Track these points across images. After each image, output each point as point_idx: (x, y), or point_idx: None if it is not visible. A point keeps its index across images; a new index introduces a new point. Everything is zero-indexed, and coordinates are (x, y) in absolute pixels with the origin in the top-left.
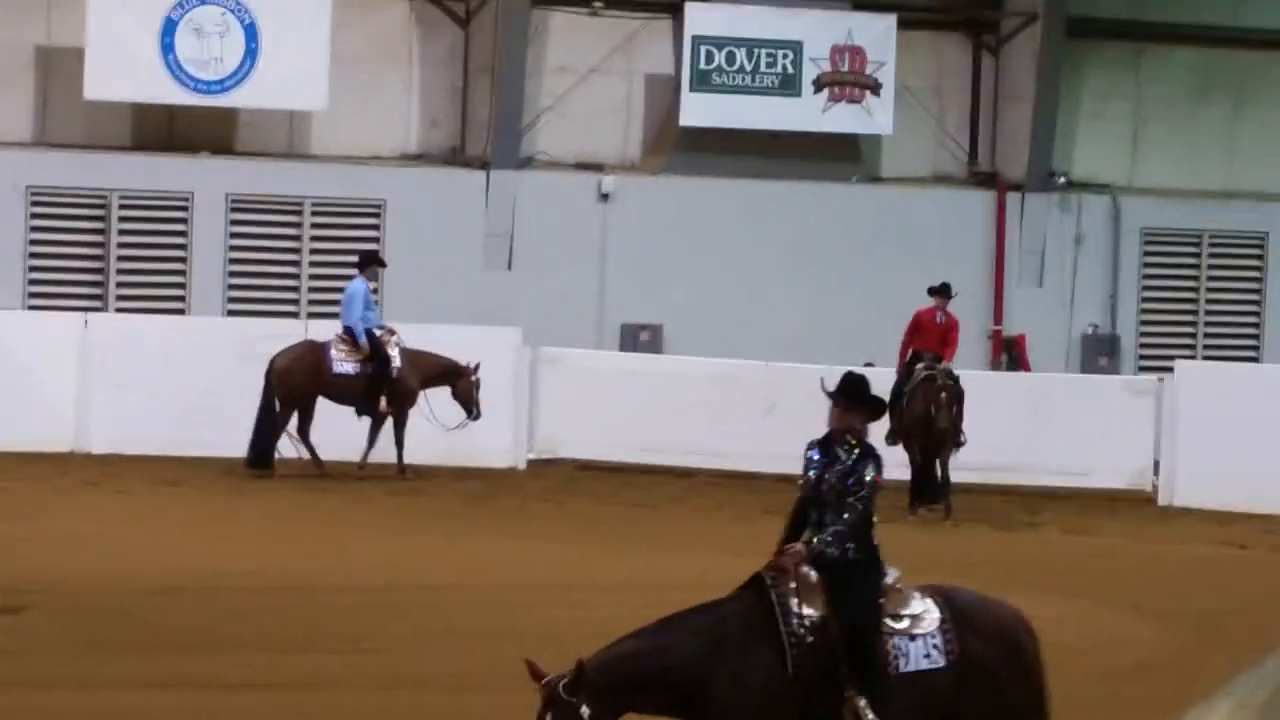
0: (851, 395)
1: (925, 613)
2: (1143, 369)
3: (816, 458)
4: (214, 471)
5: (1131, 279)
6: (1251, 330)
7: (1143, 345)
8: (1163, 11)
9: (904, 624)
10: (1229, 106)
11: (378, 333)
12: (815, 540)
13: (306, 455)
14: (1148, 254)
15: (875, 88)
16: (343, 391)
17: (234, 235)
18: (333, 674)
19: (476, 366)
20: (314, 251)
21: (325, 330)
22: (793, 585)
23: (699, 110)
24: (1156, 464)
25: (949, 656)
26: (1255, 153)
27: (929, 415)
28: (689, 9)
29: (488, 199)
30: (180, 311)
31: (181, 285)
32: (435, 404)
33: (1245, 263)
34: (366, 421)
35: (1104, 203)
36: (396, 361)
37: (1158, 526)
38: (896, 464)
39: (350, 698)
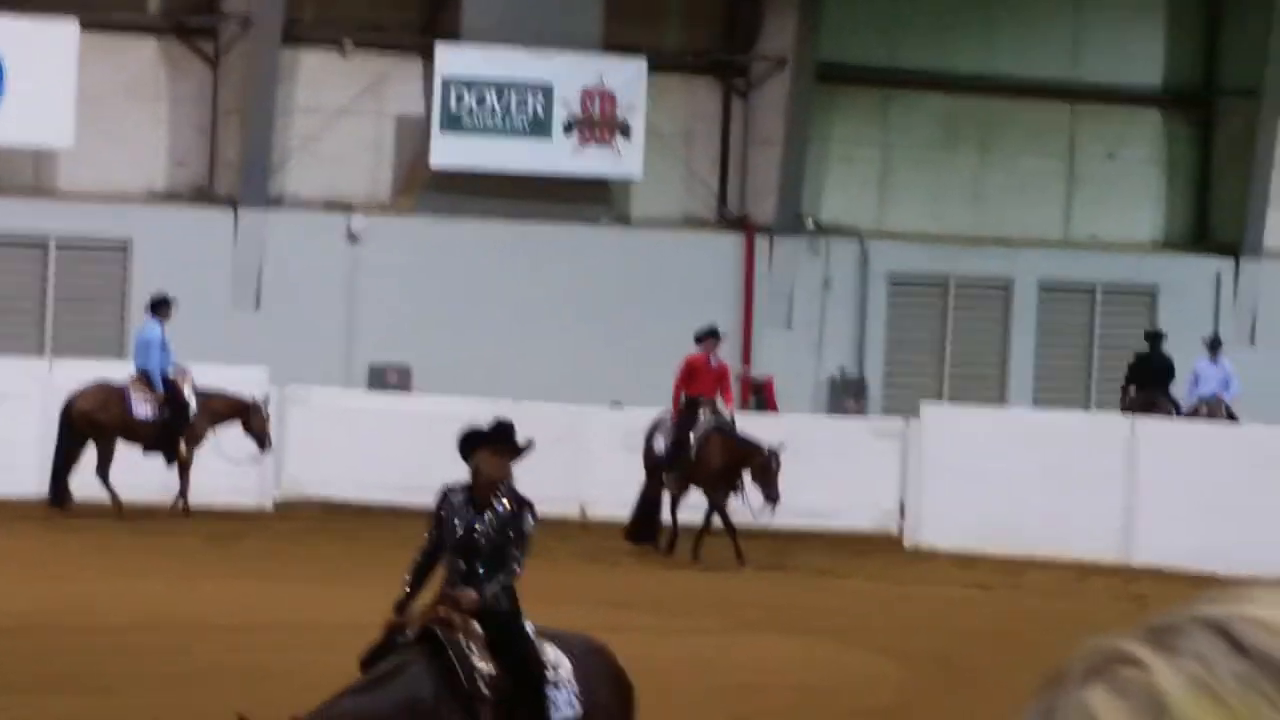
0: (509, 442)
1: (560, 663)
2: (889, 412)
3: (461, 504)
4: None
5: (879, 323)
6: (996, 374)
7: (889, 388)
8: (911, 58)
9: (550, 674)
10: (975, 153)
11: (172, 375)
12: (486, 591)
13: (109, 495)
14: (895, 298)
15: (625, 131)
16: (141, 434)
17: None
18: (72, 715)
19: (266, 401)
20: (60, 289)
21: (71, 371)
22: (463, 639)
23: (450, 151)
24: (902, 506)
25: (584, 705)
26: (1001, 199)
27: (728, 471)
28: (440, 50)
29: (236, 238)
30: None
31: None
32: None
33: (990, 308)
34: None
35: (852, 247)
36: (193, 405)
37: (904, 568)
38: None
39: None
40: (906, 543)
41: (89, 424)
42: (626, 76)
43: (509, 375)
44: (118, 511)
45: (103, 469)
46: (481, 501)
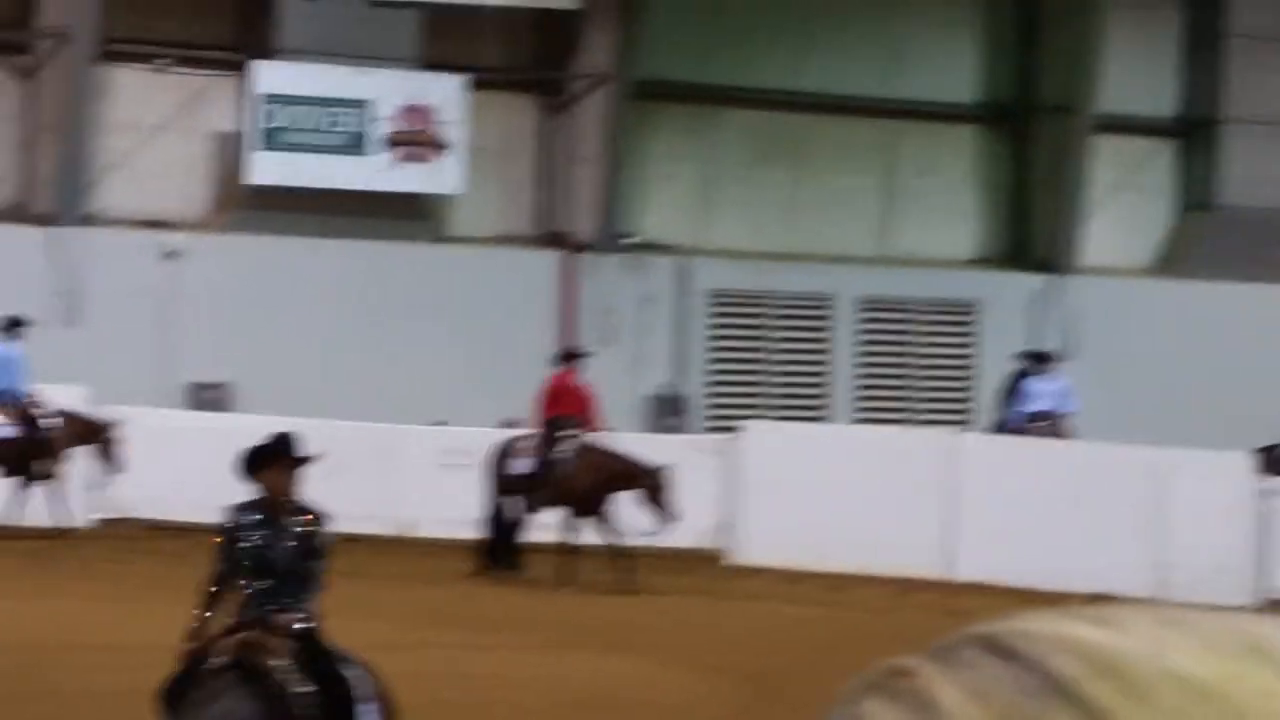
0: (287, 456)
1: (362, 678)
2: (711, 428)
3: (253, 523)
4: None
5: (700, 339)
6: (818, 390)
7: (711, 405)
8: (725, 74)
9: (357, 691)
10: (792, 169)
11: (24, 397)
12: (297, 611)
13: None
14: (715, 314)
15: (444, 147)
16: (1, 457)
17: None
18: None
19: (116, 424)
20: None
21: None
22: (284, 663)
23: (267, 168)
24: (724, 523)
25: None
26: (818, 215)
27: (601, 491)
28: (257, 67)
29: (51, 256)
30: None
31: None
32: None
33: (811, 323)
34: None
35: (672, 263)
36: (49, 424)
37: (726, 584)
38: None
39: None
40: (729, 560)
41: None
42: (445, 93)
43: (330, 393)
44: None
45: None
46: (275, 518)
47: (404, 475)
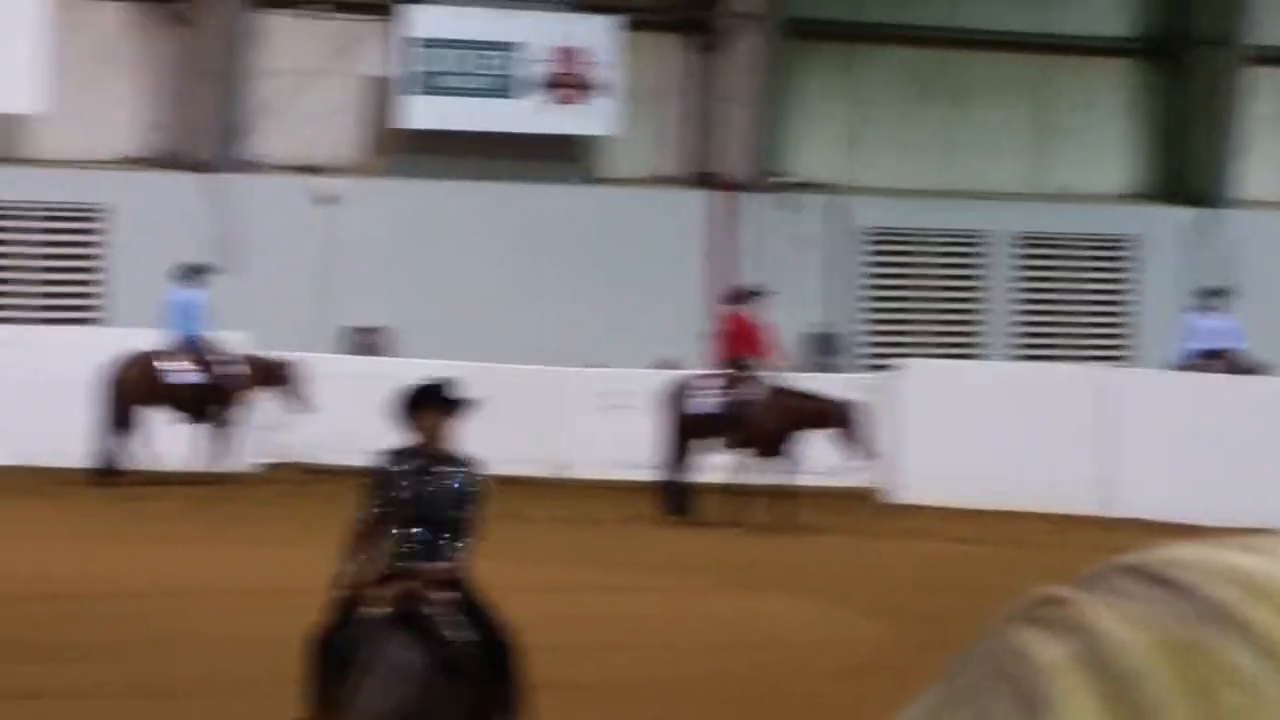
0: (443, 400)
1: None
2: (865, 367)
3: (408, 469)
4: None
5: (854, 278)
6: (973, 328)
7: (865, 343)
8: (879, 12)
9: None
10: (947, 106)
11: (208, 340)
12: (454, 560)
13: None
14: (869, 253)
15: (597, 89)
16: (180, 401)
17: None
18: (40, 683)
19: (301, 363)
20: (35, 257)
21: (47, 337)
22: (445, 612)
23: (421, 112)
24: (883, 461)
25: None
26: (973, 152)
27: (791, 431)
28: (410, 11)
29: (211, 203)
30: None
31: None
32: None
33: (965, 261)
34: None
35: (825, 202)
36: (229, 369)
37: (884, 523)
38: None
39: (90, 707)
40: (888, 498)
41: (128, 391)
42: (597, 34)
43: (485, 335)
44: (142, 478)
45: (131, 435)
46: (429, 465)
47: (561, 417)
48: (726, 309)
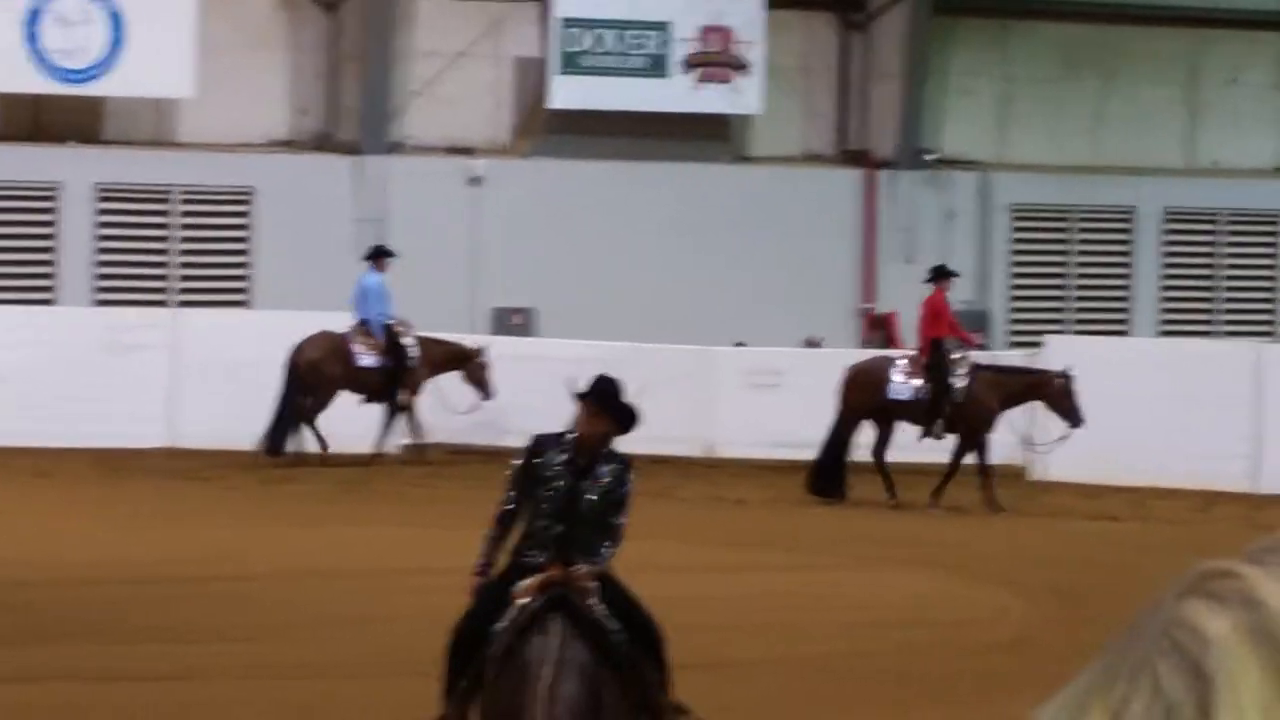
0: (603, 401)
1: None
2: (1014, 344)
3: (559, 462)
4: (85, 462)
5: (1002, 254)
6: (1120, 304)
7: (1014, 320)
8: None
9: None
10: (1096, 82)
11: (391, 323)
12: (597, 563)
13: (318, 444)
14: (1017, 229)
15: (744, 67)
16: (365, 384)
17: (102, 225)
18: (202, 664)
19: (484, 349)
20: (183, 240)
21: (196, 317)
22: (598, 603)
23: (568, 93)
24: (1029, 438)
25: None
26: (1122, 127)
27: (1002, 410)
28: None
29: (357, 184)
30: (49, 302)
31: (50, 275)
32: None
33: (1114, 237)
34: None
35: (973, 179)
36: (413, 353)
37: (1029, 500)
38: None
39: (220, 687)
40: (1032, 475)
41: (315, 374)
42: (744, 13)
43: (632, 316)
44: (324, 458)
45: (314, 416)
46: (583, 463)
47: (710, 396)
48: (928, 290)
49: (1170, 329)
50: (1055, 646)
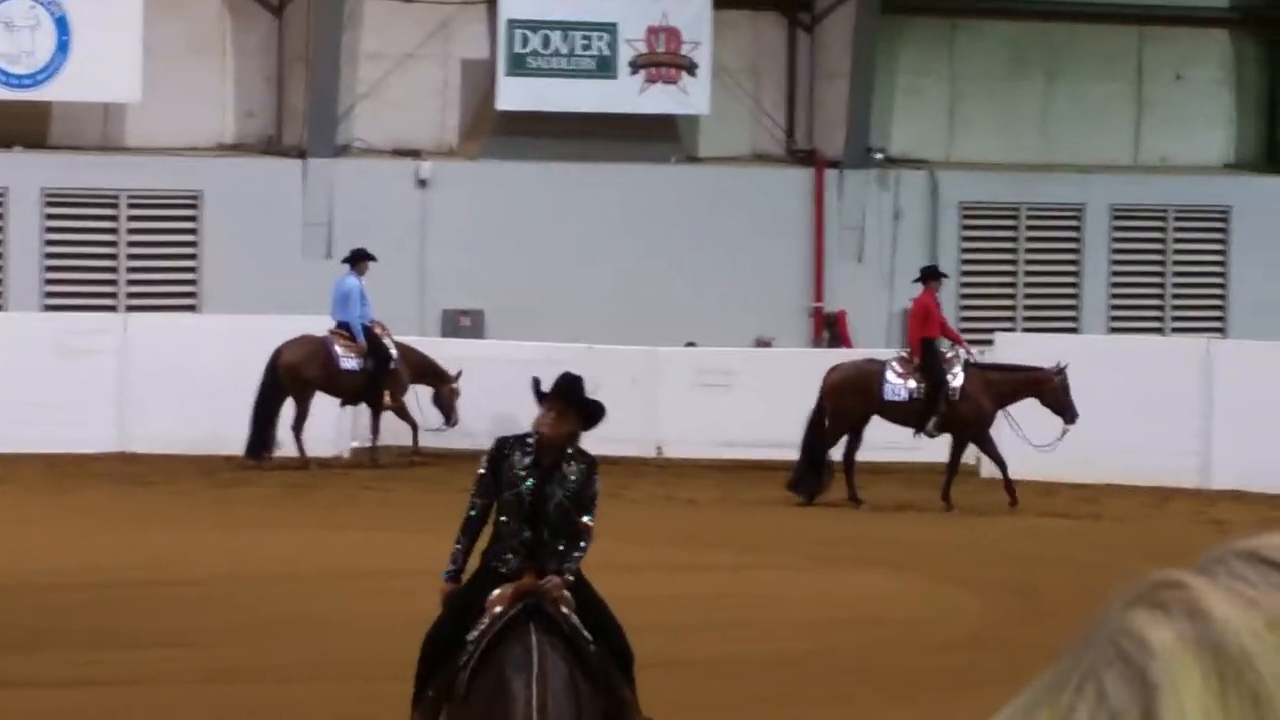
0: (570, 399)
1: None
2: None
3: (524, 463)
4: (34, 468)
5: (951, 253)
6: (1070, 301)
7: (963, 318)
8: None
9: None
10: (1043, 79)
11: (370, 326)
12: (567, 568)
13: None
14: (966, 227)
15: (691, 68)
16: (345, 387)
17: (50, 230)
18: (154, 669)
19: (458, 375)
20: (131, 244)
21: (145, 322)
22: (572, 614)
23: (516, 94)
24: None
25: None
26: (1070, 125)
27: (998, 408)
28: None
29: (305, 187)
30: None
31: None
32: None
33: (1063, 234)
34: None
35: (922, 178)
36: (394, 354)
37: (982, 498)
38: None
39: (172, 692)
40: (983, 473)
41: (294, 377)
42: (691, 13)
43: (582, 317)
44: (304, 466)
45: (299, 423)
46: (549, 464)
47: (660, 396)
48: (917, 290)
49: (1120, 325)
50: (1012, 643)
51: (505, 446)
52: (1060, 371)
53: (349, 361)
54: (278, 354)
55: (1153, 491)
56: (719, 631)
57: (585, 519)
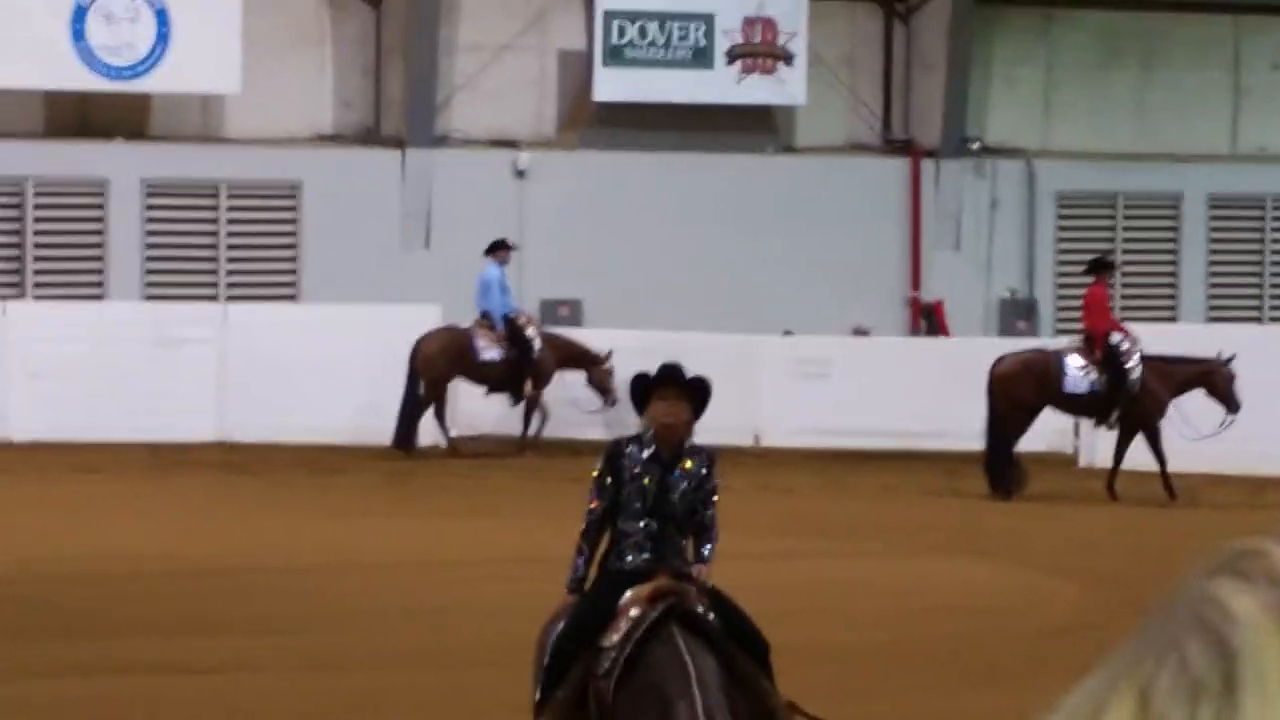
0: (678, 382)
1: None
2: (1060, 331)
3: (644, 460)
4: (133, 457)
5: (1047, 242)
6: (1167, 290)
7: (1060, 308)
8: None
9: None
10: (1138, 69)
11: (513, 316)
12: (705, 562)
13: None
14: (1063, 217)
15: (788, 58)
16: (488, 377)
17: (150, 220)
18: (252, 656)
19: (609, 354)
20: (231, 234)
21: (244, 312)
22: (711, 614)
23: (613, 85)
24: (1077, 425)
25: None
26: (1165, 114)
27: (1166, 403)
28: None
29: (403, 178)
30: (98, 298)
31: (99, 271)
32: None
33: (1159, 224)
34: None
35: (1018, 167)
36: (537, 344)
37: (1079, 487)
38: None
39: (270, 679)
40: (1081, 462)
41: (429, 368)
42: (787, 3)
43: (679, 306)
44: (453, 452)
45: (439, 412)
46: (667, 457)
47: (757, 386)
48: (1089, 281)
49: (1217, 315)
50: (1107, 632)
51: (622, 445)
52: (1228, 363)
53: (490, 352)
54: (418, 345)
55: (1246, 481)
56: (814, 619)
57: (709, 512)
